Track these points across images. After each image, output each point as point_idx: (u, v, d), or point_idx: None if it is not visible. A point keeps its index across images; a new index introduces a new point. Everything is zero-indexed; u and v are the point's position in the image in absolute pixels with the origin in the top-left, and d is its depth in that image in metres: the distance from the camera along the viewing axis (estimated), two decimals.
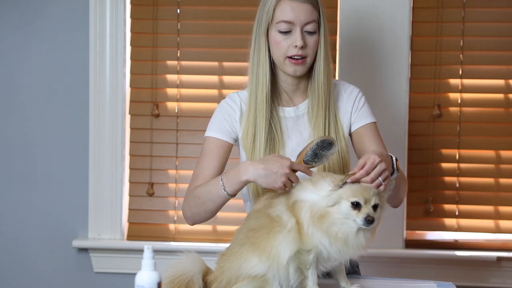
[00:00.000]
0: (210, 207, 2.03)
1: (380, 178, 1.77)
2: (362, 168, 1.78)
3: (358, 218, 1.73)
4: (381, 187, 1.78)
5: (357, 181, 1.77)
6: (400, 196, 2.12)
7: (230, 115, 2.15)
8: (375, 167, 1.77)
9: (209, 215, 2.08)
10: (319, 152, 1.88)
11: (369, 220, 1.72)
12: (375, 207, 1.75)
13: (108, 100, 2.97)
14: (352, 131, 2.18)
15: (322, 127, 2.11)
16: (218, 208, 2.04)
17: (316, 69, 2.11)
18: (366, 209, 1.73)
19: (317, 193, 1.78)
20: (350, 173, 1.78)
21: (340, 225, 1.75)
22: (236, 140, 2.16)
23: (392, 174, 1.89)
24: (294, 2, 2.05)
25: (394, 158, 1.92)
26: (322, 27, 2.09)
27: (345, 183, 1.76)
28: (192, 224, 2.14)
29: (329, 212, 1.75)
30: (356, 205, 1.73)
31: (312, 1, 2.07)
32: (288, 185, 1.84)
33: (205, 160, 2.13)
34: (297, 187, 1.84)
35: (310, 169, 1.88)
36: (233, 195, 1.98)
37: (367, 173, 1.77)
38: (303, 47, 2.05)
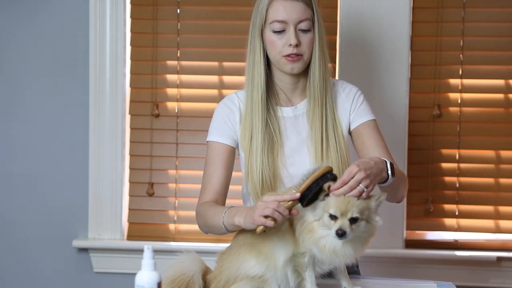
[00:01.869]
0: (216, 232, 2.04)
1: (361, 185, 1.76)
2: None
3: (332, 230, 1.72)
4: (364, 194, 1.75)
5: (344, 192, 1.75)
6: (401, 194, 2.12)
7: (230, 118, 2.15)
8: (353, 177, 1.76)
9: (219, 235, 2.08)
10: (305, 176, 1.77)
11: (339, 233, 1.70)
12: (353, 220, 1.73)
13: (108, 100, 2.97)
14: (351, 129, 2.18)
15: (319, 125, 2.11)
16: (223, 234, 2.03)
17: (311, 68, 2.11)
18: (340, 222, 1.71)
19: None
20: (330, 183, 1.76)
21: (327, 237, 1.74)
22: (238, 141, 2.17)
23: (387, 179, 1.90)
24: (286, 1, 2.05)
25: (388, 163, 1.91)
26: (316, 25, 2.09)
27: (327, 195, 1.75)
28: (207, 233, 2.16)
29: (315, 227, 1.75)
30: (333, 217, 1.72)
31: None
32: (267, 213, 1.72)
33: (210, 168, 2.13)
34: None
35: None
36: (232, 231, 1.95)
37: (344, 183, 1.75)
38: (297, 45, 2.05)
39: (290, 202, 1.74)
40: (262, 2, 2.08)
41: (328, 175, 1.75)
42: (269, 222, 1.72)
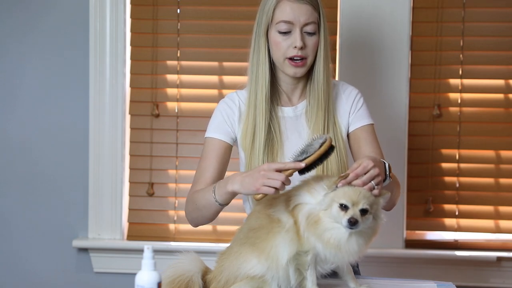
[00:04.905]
0: (206, 214, 2.06)
1: (373, 182, 1.76)
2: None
3: (343, 219, 1.72)
4: (375, 191, 1.76)
5: (350, 184, 1.76)
6: (393, 200, 2.12)
7: (229, 116, 2.15)
8: (367, 172, 1.76)
9: (207, 221, 2.11)
10: (305, 148, 1.82)
11: (351, 222, 1.70)
12: (363, 211, 1.73)
13: (108, 100, 2.97)
14: (349, 132, 2.18)
15: (321, 128, 2.11)
16: (214, 215, 2.06)
17: (315, 70, 2.12)
18: (352, 211, 1.72)
19: (313, 197, 1.78)
20: (342, 175, 1.78)
21: (332, 230, 1.74)
22: (235, 140, 2.17)
23: (384, 180, 1.89)
24: (294, 3, 2.05)
25: (387, 165, 1.92)
26: (322, 28, 2.09)
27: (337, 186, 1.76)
28: (195, 227, 2.17)
29: (322, 217, 1.75)
30: (344, 207, 1.73)
31: (312, 2, 2.07)
32: (274, 184, 1.76)
33: (205, 162, 2.14)
34: (294, 192, 1.82)
35: (310, 170, 1.81)
36: (224, 204, 1.98)
37: (357, 176, 1.75)
38: (302, 48, 2.06)
39: (290, 170, 1.77)
40: (268, 2, 2.08)
41: (330, 151, 1.79)
42: (276, 193, 1.77)
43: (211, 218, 2.07)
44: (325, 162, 2.02)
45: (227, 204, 1.99)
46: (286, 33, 2.06)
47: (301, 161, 1.77)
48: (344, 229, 1.73)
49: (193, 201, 2.08)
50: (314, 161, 1.78)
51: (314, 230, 1.75)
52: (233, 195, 1.93)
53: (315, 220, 1.76)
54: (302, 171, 1.79)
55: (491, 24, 2.92)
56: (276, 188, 1.76)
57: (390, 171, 1.92)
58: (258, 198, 1.80)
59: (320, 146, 1.78)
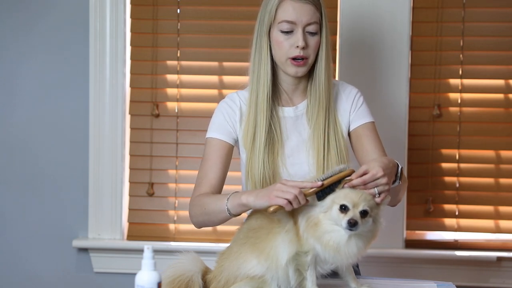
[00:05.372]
0: (214, 220, 2.04)
1: (376, 189, 1.77)
2: (362, 175, 1.78)
3: (343, 221, 1.72)
4: (377, 199, 1.77)
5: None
6: (399, 198, 2.13)
7: (230, 116, 2.15)
8: (375, 180, 1.77)
9: (214, 225, 2.09)
10: (325, 174, 1.81)
11: (351, 223, 1.70)
12: (364, 213, 1.73)
13: (108, 100, 2.97)
14: (350, 130, 2.18)
15: (322, 128, 2.11)
16: (221, 222, 2.03)
17: (317, 70, 2.12)
18: (352, 213, 1.72)
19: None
20: (347, 178, 1.78)
21: (331, 232, 1.75)
22: (236, 140, 2.16)
23: (394, 182, 1.89)
24: (296, 2, 2.05)
25: (400, 168, 1.92)
26: (324, 28, 2.09)
27: (342, 187, 1.77)
28: (199, 228, 2.15)
29: (322, 220, 1.75)
30: (344, 209, 1.73)
31: (315, 2, 2.07)
32: (287, 196, 1.75)
33: (208, 163, 2.13)
34: None
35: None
36: (234, 215, 1.96)
37: (364, 183, 1.77)
38: (304, 48, 2.06)
39: (310, 191, 1.76)
40: (271, 1, 2.08)
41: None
42: (288, 207, 1.74)
43: (218, 223, 2.06)
44: (326, 163, 2.03)
45: (237, 215, 1.96)
46: (288, 32, 2.06)
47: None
48: (344, 231, 1.73)
49: (201, 205, 2.05)
50: (332, 184, 1.77)
51: (313, 232, 1.76)
52: (246, 208, 1.90)
53: (315, 222, 1.76)
54: (320, 196, 1.77)
55: (491, 24, 2.92)
56: (288, 201, 1.74)
57: (401, 174, 1.92)
58: (270, 211, 1.77)
59: (340, 172, 1.78)
